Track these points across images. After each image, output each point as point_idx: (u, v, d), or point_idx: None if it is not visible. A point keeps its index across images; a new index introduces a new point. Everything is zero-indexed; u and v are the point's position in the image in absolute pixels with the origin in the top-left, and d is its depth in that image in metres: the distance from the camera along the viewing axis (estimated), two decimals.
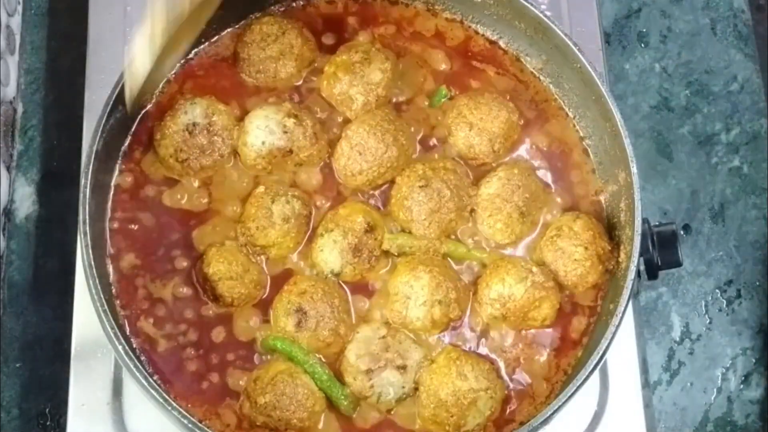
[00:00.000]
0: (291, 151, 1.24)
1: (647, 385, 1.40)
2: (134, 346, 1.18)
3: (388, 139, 1.24)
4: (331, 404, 1.19)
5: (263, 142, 1.23)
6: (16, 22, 1.48)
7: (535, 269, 1.21)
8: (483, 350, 1.23)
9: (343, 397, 1.18)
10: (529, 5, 1.25)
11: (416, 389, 1.19)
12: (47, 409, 1.33)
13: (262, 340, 1.21)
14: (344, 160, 1.25)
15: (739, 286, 1.48)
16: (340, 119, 1.29)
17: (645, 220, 1.22)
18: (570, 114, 1.32)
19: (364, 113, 1.27)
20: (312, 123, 1.25)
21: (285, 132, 1.23)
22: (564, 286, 1.24)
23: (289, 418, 1.16)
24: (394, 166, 1.25)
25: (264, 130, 1.23)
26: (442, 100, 1.31)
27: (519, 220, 1.25)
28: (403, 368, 1.18)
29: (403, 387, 1.19)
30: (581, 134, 1.32)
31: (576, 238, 1.22)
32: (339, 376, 1.19)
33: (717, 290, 1.47)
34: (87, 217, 1.13)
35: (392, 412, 1.19)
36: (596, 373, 1.22)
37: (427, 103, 1.32)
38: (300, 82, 1.31)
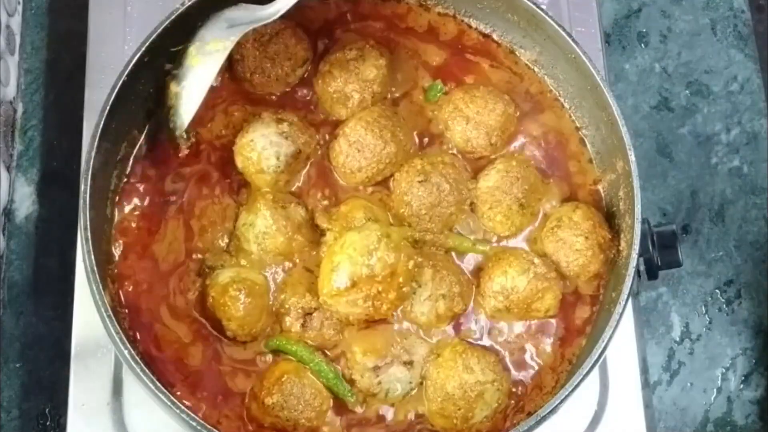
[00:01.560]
0: (300, 151, 1.24)
1: (647, 385, 1.40)
2: (139, 349, 1.18)
3: (386, 135, 1.24)
4: (338, 403, 1.19)
5: (278, 157, 1.23)
6: (16, 22, 1.48)
7: (536, 261, 1.22)
8: (488, 342, 1.23)
9: (349, 393, 1.18)
10: None
11: (421, 383, 1.19)
12: (47, 409, 1.33)
13: (268, 340, 1.20)
14: (342, 157, 1.25)
15: (739, 286, 1.48)
16: (335, 117, 1.29)
17: (645, 220, 1.22)
18: (566, 105, 1.32)
19: (361, 110, 1.27)
20: (297, 117, 1.26)
21: (287, 137, 1.23)
22: (566, 276, 1.24)
23: (297, 418, 1.16)
24: (393, 162, 1.25)
25: (271, 147, 1.22)
26: (438, 94, 1.31)
27: (519, 212, 1.25)
28: (409, 363, 1.19)
29: (410, 382, 1.19)
30: (577, 124, 1.31)
31: (576, 228, 1.23)
32: (345, 374, 1.19)
33: (717, 290, 1.47)
34: (88, 223, 1.13)
35: (399, 404, 1.20)
36: (596, 373, 1.22)
37: (422, 98, 1.31)
38: (295, 82, 1.30)
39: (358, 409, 1.19)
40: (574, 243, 1.22)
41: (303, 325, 1.19)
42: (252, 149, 1.23)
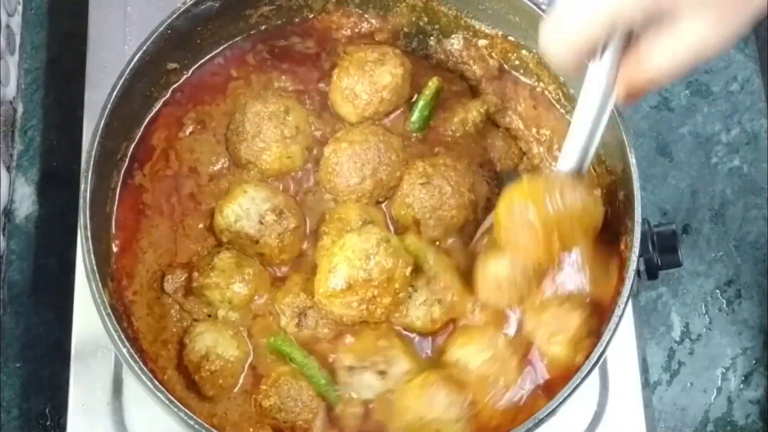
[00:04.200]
0: (257, 242, 1.21)
1: (647, 385, 1.40)
2: (139, 348, 1.18)
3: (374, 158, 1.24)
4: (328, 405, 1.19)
5: (235, 221, 1.21)
6: (16, 22, 1.48)
7: (501, 343, 1.17)
8: None
9: (341, 402, 1.17)
10: None
11: (391, 394, 1.17)
12: (47, 409, 1.33)
13: (267, 340, 1.20)
14: (335, 177, 1.25)
15: (739, 286, 1.48)
16: (340, 114, 1.29)
17: (645, 220, 1.22)
18: (566, 107, 1.32)
19: (349, 131, 1.26)
20: (294, 224, 1.22)
21: (261, 223, 1.21)
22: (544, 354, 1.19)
23: (295, 420, 1.16)
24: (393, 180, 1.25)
25: (242, 212, 1.21)
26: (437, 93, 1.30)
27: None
28: (383, 374, 1.17)
29: (379, 392, 1.17)
30: None
31: (561, 322, 1.17)
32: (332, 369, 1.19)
33: (717, 290, 1.47)
34: (88, 221, 1.13)
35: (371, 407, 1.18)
36: (596, 373, 1.22)
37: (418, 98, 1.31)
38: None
39: (338, 411, 1.18)
40: (553, 336, 1.17)
41: (298, 324, 1.19)
42: (236, 197, 1.22)
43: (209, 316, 1.20)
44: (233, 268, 1.20)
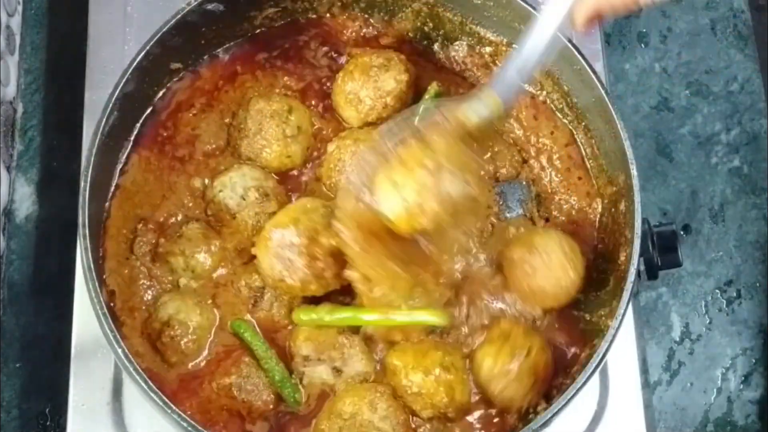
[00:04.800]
0: (234, 217, 1.22)
1: (647, 385, 1.40)
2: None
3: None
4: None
5: (220, 190, 1.23)
6: (16, 22, 1.48)
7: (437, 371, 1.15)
8: None
9: (292, 397, 1.17)
10: (528, 7, 1.25)
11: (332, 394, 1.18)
12: (47, 409, 1.33)
13: (231, 322, 1.20)
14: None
15: (739, 286, 1.48)
16: (342, 116, 1.29)
17: (645, 220, 1.22)
18: (568, 116, 1.32)
19: (354, 130, 1.26)
20: (274, 210, 1.22)
21: (242, 198, 1.22)
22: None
23: (253, 401, 1.16)
24: None
25: (228, 183, 1.23)
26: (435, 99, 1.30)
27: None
28: (338, 372, 1.17)
29: (329, 387, 1.18)
30: (581, 136, 1.31)
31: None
32: (290, 355, 1.19)
33: (717, 290, 1.47)
34: (87, 220, 1.13)
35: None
36: (596, 373, 1.22)
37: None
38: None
39: (300, 410, 1.18)
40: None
41: (254, 304, 1.20)
42: (230, 176, 1.24)
43: (172, 285, 1.21)
44: (200, 238, 1.21)
